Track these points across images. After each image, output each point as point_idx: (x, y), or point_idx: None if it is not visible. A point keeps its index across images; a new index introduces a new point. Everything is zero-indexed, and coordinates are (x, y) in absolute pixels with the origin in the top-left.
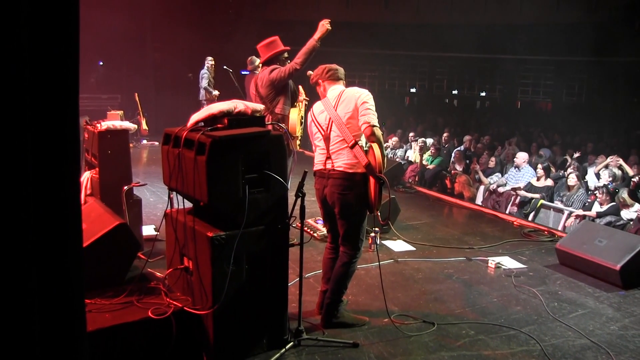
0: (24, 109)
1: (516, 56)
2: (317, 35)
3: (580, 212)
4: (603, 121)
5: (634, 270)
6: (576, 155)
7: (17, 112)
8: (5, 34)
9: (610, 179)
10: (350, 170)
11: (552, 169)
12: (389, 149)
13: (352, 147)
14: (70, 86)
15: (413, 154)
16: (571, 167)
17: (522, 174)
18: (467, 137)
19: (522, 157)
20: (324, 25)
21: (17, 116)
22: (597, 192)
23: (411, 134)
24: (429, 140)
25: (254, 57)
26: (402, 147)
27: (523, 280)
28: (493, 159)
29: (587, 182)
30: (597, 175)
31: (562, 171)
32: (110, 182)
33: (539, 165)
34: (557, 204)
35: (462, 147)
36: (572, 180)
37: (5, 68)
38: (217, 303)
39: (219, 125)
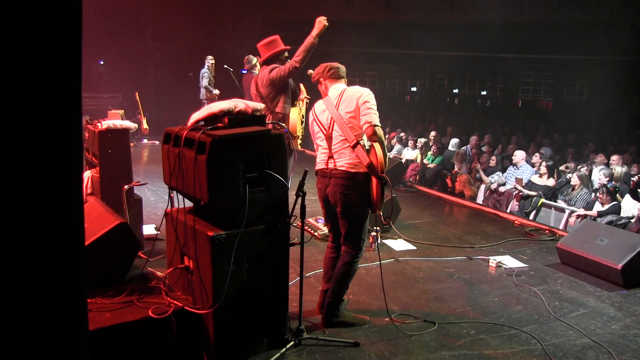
0: (22, 106)
1: (517, 55)
2: (314, 32)
3: (582, 211)
4: (604, 120)
5: (636, 269)
6: (569, 164)
7: (15, 110)
8: (3, 31)
9: (607, 178)
10: (353, 170)
11: (555, 169)
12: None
13: (353, 146)
14: (72, 83)
15: (409, 153)
16: (584, 167)
17: (521, 172)
18: (472, 138)
19: (520, 155)
20: (321, 21)
21: (15, 113)
22: (598, 191)
23: (402, 134)
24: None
25: (250, 56)
26: (402, 146)
27: (524, 280)
28: (494, 157)
29: (592, 181)
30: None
31: (568, 174)
32: (110, 181)
33: (543, 163)
34: (560, 202)
35: (465, 148)
36: (575, 179)
37: (3, 66)
38: (217, 302)
39: (219, 125)
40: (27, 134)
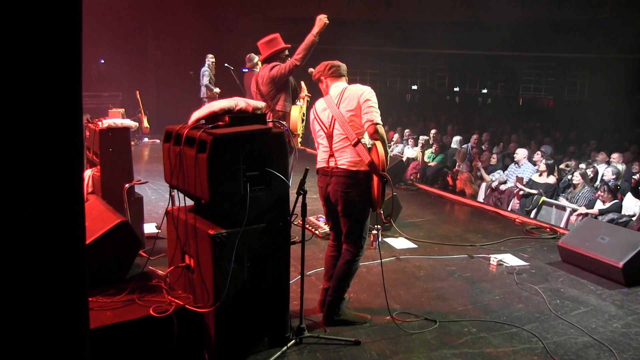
0: (21, 105)
1: (518, 53)
2: (315, 30)
3: (583, 209)
4: (605, 118)
5: (637, 267)
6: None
7: (14, 109)
8: (2, 29)
9: (614, 176)
10: (354, 168)
11: (555, 167)
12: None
13: (354, 145)
14: (72, 82)
15: (410, 151)
16: (590, 168)
17: (522, 170)
18: (473, 136)
19: (521, 153)
20: (322, 19)
21: (14, 113)
22: (599, 189)
23: (407, 130)
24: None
25: (252, 54)
26: (403, 144)
27: (525, 278)
28: (495, 156)
29: (595, 179)
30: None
31: (569, 175)
32: (111, 180)
33: (543, 161)
34: (561, 200)
35: (466, 146)
36: (577, 178)
37: (1, 64)
38: (218, 301)
39: (220, 123)
40: (26, 133)
